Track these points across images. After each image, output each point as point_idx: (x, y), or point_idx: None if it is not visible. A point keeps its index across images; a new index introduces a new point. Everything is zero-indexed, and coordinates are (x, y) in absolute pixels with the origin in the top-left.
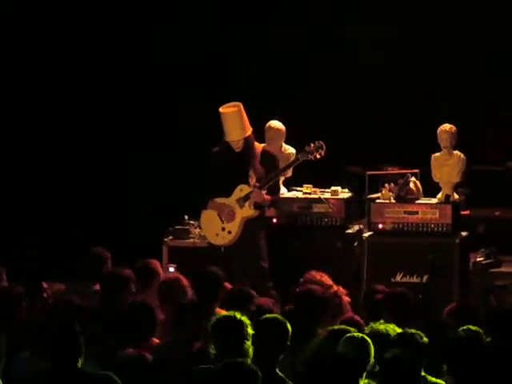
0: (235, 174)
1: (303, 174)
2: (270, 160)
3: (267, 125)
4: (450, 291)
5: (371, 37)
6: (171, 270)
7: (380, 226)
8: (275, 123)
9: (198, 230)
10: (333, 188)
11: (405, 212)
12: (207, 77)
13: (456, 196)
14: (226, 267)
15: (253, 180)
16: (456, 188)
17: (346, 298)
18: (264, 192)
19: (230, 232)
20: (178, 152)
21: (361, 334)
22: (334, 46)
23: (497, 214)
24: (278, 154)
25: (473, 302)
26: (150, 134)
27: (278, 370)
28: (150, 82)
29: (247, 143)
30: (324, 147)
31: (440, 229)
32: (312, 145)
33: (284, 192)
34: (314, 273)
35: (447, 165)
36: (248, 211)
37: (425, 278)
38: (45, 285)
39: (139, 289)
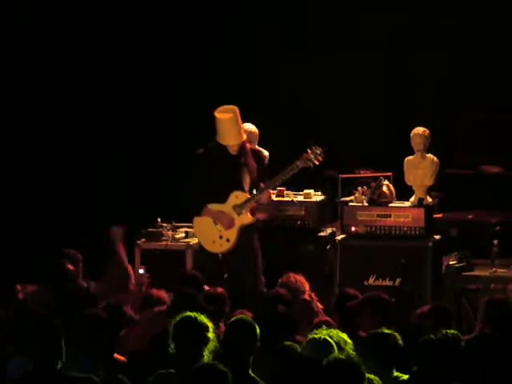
0: (230, 177)
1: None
2: (259, 159)
3: None
4: (422, 295)
5: (344, 39)
6: (141, 271)
7: (353, 229)
8: (249, 126)
9: (170, 232)
10: (306, 191)
11: (378, 215)
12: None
13: (429, 199)
14: (203, 270)
15: (246, 184)
16: (429, 191)
17: (318, 305)
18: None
19: (228, 240)
20: (150, 154)
21: (323, 336)
22: (305, 49)
23: (469, 217)
24: None
25: (446, 304)
26: (121, 136)
27: (250, 371)
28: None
29: (243, 147)
30: (322, 153)
31: (413, 232)
32: (309, 151)
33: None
34: (291, 276)
35: (420, 168)
36: (246, 218)
37: (397, 281)
38: (18, 287)
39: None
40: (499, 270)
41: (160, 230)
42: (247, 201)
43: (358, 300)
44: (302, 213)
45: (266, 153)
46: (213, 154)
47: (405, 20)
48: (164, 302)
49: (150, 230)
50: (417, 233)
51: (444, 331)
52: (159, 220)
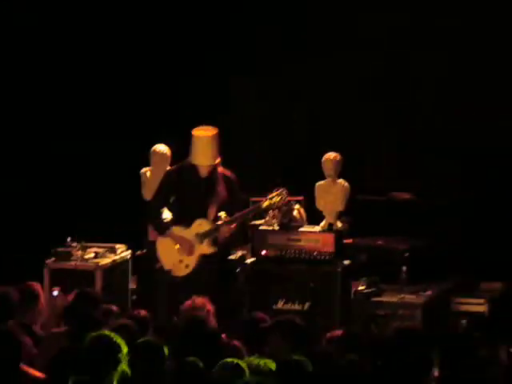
0: (196, 200)
1: None
2: (230, 184)
3: (152, 149)
4: (331, 319)
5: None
6: (55, 293)
7: (263, 252)
8: (160, 147)
9: (80, 252)
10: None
11: (288, 239)
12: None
13: (339, 224)
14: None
15: (212, 210)
16: (339, 216)
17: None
18: (231, 227)
19: (187, 266)
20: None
21: (235, 359)
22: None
23: (379, 243)
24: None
25: (354, 330)
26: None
27: None
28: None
29: (215, 170)
30: (285, 194)
31: (322, 257)
32: (275, 192)
33: (168, 217)
34: (196, 299)
35: (331, 193)
36: (206, 248)
37: (306, 305)
38: None
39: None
40: (407, 296)
41: (69, 249)
42: (209, 231)
43: (268, 323)
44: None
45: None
46: (183, 173)
47: (405, 20)
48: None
49: (60, 249)
50: (326, 257)
51: (351, 356)
52: (69, 239)
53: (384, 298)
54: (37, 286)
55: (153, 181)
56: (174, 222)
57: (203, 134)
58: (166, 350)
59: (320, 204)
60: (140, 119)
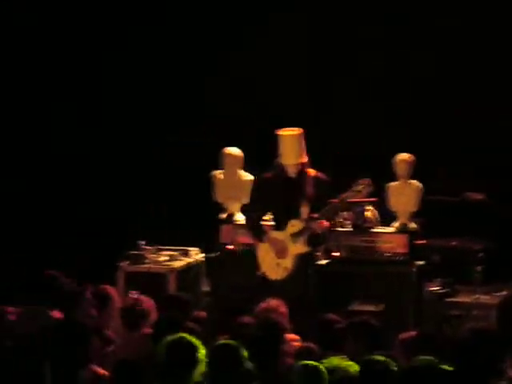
0: (288, 199)
1: None
2: (321, 185)
3: (224, 151)
4: (405, 320)
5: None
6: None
7: (336, 253)
8: (232, 150)
9: (153, 255)
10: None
11: (361, 240)
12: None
13: (413, 225)
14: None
15: (304, 210)
16: (412, 217)
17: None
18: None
19: (285, 268)
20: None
21: (314, 363)
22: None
23: (453, 243)
24: (235, 181)
25: (427, 331)
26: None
27: None
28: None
29: (303, 169)
30: (371, 185)
31: (396, 258)
32: (360, 182)
33: (240, 218)
34: (270, 301)
35: (404, 194)
36: (301, 248)
37: (380, 306)
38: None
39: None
40: (482, 297)
41: (143, 252)
42: (301, 230)
43: (343, 324)
44: None
45: (250, 177)
46: (273, 176)
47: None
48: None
49: (133, 252)
50: (400, 258)
51: (423, 358)
52: (142, 242)
53: (458, 299)
54: (111, 289)
55: (224, 183)
56: (273, 225)
57: (288, 134)
58: (244, 352)
59: (393, 205)
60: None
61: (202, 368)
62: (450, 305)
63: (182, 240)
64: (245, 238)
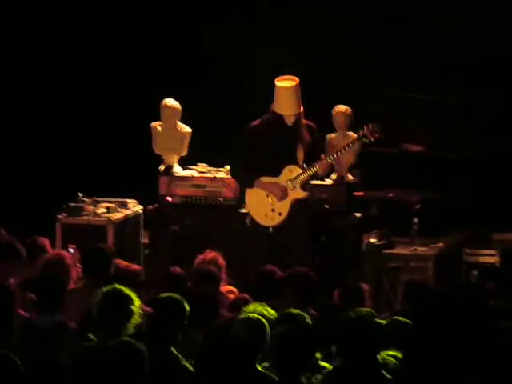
0: (283, 149)
1: (198, 152)
2: (315, 134)
3: (162, 103)
4: (343, 272)
5: None
6: (71, 250)
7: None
8: (171, 101)
9: (91, 207)
10: (227, 167)
11: None
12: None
13: (350, 177)
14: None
15: (300, 157)
16: (350, 169)
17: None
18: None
19: (280, 213)
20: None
21: (256, 315)
22: None
23: (390, 195)
24: (173, 133)
25: (365, 282)
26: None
27: (173, 349)
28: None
29: (299, 118)
30: (378, 130)
31: (334, 209)
32: (366, 128)
33: (178, 171)
34: (208, 253)
35: (342, 146)
36: (299, 193)
37: (317, 258)
38: None
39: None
40: (419, 249)
41: (81, 204)
42: (301, 175)
43: (282, 275)
44: (224, 189)
45: (188, 129)
46: (268, 124)
47: None
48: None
49: (71, 204)
50: (338, 210)
51: (359, 310)
52: (80, 195)
53: (395, 251)
54: (44, 240)
55: (163, 135)
56: (262, 173)
57: (287, 85)
58: (187, 306)
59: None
60: (150, 72)
61: (136, 320)
62: (388, 256)
63: (120, 192)
64: (183, 190)
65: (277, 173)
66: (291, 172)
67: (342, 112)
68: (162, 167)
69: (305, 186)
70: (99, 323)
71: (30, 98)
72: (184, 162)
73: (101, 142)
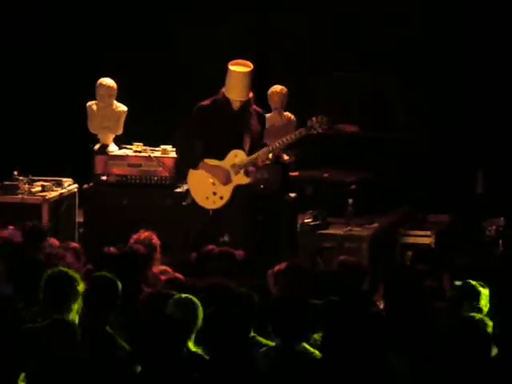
0: (230, 133)
1: (134, 131)
2: (261, 119)
3: (98, 82)
4: (278, 252)
5: None
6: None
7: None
8: (107, 80)
9: (26, 185)
10: (163, 146)
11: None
12: None
13: (285, 157)
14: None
15: (246, 144)
16: (285, 149)
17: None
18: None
19: (221, 197)
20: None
21: (189, 296)
22: None
23: (325, 175)
24: (109, 112)
25: (300, 262)
26: None
27: (108, 328)
28: None
29: (248, 104)
30: (327, 122)
31: (269, 189)
32: (314, 119)
33: (114, 150)
34: (142, 233)
35: (278, 126)
36: (242, 179)
37: (228, 237)
38: None
39: None
40: (354, 229)
41: (16, 183)
42: (246, 161)
43: (212, 255)
44: (159, 169)
45: (123, 108)
46: (216, 106)
47: None
48: None
49: (6, 183)
50: (273, 190)
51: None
52: (15, 173)
53: (330, 231)
54: None
55: (99, 114)
56: (206, 155)
57: (240, 70)
58: (119, 285)
59: (266, 136)
60: (86, 51)
61: (80, 302)
62: (323, 237)
63: (55, 171)
64: (118, 169)
65: (221, 156)
66: (236, 157)
67: (277, 92)
68: (97, 146)
69: (248, 171)
70: (45, 306)
71: None
72: (119, 141)
73: (37, 121)
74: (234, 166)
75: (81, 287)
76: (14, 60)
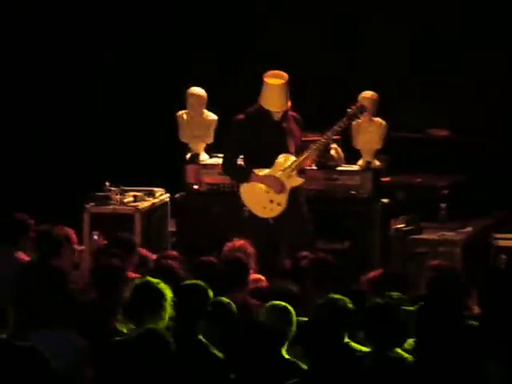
0: (275, 142)
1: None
2: (300, 125)
3: (189, 91)
4: (371, 258)
5: None
6: (95, 237)
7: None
8: (197, 90)
9: (118, 196)
10: None
11: (325, 178)
12: None
13: (377, 163)
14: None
15: (292, 149)
16: (376, 155)
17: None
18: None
19: (279, 204)
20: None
21: (283, 303)
22: None
23: (417, 180)
24: (199, 121)
25: (393, 268)
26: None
27: (200, 336)
28: None
29: (287, 112)
30: (366, 109)
31: (361, 195)
32: (354, 107)
33: (205, 158)
34: (236, 241)
35: (368, 131)
36: (296, 181)
37: (346, 244)
38: None
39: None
40: (447, 234)
41: (108, 193)
42: (295, 162)
43: (306, 262)
44: None
45: (213, 116)
46: (255, 118)
47: None
48: None
49: (98, 193)
50: (365, 196)
51: (389, 295)
52: (107, 184)
53: (423, 236)
54: (68, 229)
55: (189, 123)
56: (253, 166)
57: (277, 82)
58: (210, 293)
59: (357, 143)
60: (177, 60)
61: (169, 312)
62: (416, 242)
63: (147, 180)
64: (210, 178)
65: (269, 165)
66: (286, 160)
67: (367, 97)
68: (188, 155)
69: (300, 172)
70: (130, 316)
71: (58, 88)
72: (210, 150)
73: (128, 132)
74: (285, 169)
75: (169, 296)
76: (104, 71)
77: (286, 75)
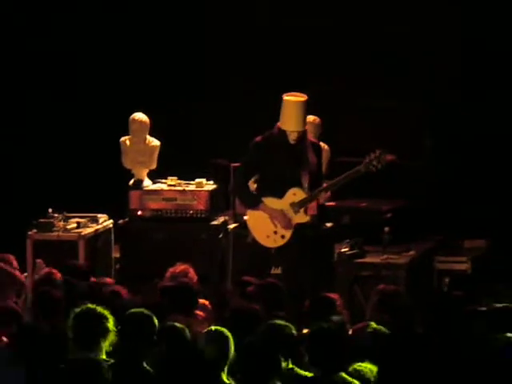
0: (288, 166)
1: (168, 166)
2: (319, 153)
3: (131, 117)
4: (315, 282)
5: None
6: (38, 265)
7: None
8: (139, 115)
9: (62, 222)
10: (197, 180)
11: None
12: None
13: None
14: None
15: (305, 178)
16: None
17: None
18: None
19: (283, 236)
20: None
21: (220, 328)
22: None
23: (362, 205)
24: (142, 147)
25: (338, 292)
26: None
27: (145, 364)
28: None
29: (304, 136)
30: (384, 156)
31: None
32: (372, 155)
33: (148, 184)
34: (179, 266)
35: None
36: (303, 218)
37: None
38: None
39: None
40: (390, 257)
41: (51, 220)
42: (305, 200)
43: (254, 286)
44: (194, 202)
45: (156, 142)
46: (271, 140)
47: None
48: None
49: (42, 220)
50: (310, 221)
51: (330, 318)
52: (50, 210)
53: (367, 259)
54: (9, 256)
55: (132, 149)
56: (263, 192)
57: (295, 100)
58: (155, 320)
59: None
60: (119, 87)
61: (111, 338)
62: (360, 265)
63: (91, 207)
64: (153, 204)
65: (280, 194)
66: (295, 195)
67: (310, 122)
68: (131, 181)
69: (307, 209)
70: (75, 344)
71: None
72: (153, 176)
73: (71, 158)
74: (293, 204)
75: (110, 324)
76: (46, 98)
77: (305, 96)
